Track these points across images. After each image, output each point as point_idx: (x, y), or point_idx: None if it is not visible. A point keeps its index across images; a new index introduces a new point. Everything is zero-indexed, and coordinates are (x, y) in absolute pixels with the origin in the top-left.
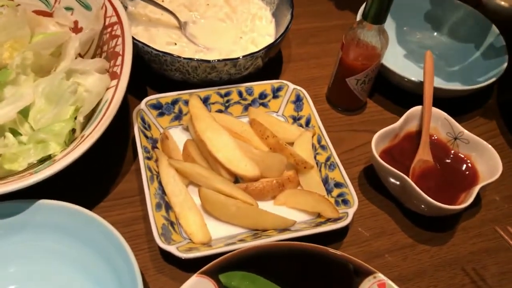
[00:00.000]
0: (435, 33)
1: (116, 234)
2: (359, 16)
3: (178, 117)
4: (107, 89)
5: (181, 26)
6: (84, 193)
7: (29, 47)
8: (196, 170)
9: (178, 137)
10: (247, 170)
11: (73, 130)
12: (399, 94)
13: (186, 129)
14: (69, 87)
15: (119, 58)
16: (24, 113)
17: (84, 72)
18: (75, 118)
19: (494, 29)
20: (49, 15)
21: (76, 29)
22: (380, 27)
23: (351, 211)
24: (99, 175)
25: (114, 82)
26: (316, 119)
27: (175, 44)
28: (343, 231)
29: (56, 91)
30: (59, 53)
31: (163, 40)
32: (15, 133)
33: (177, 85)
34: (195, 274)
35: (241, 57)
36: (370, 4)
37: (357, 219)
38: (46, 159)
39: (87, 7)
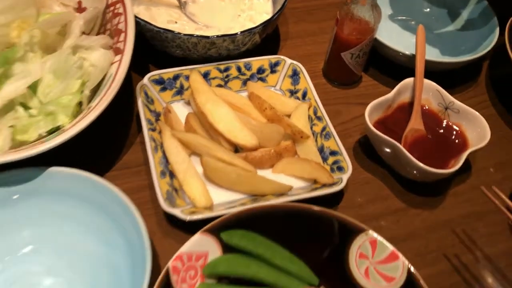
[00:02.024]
0: (428, 9)
1: (124, 199)
2: None
3: (180, 92)
4: (111, 64)
5: (181, 5)
6: (92, 163)
7: (36, 26)
8: (198, 141)
9: (180, 111)
10: (246, 140)
11: (80, 103)
12: (393, 68)
13: (188, 103)
14: (75, 62)
15: (122, 35)
16: (33, 88)
17: (89, 47)
18: (82, 92)
19: (485, 2)
20: None
21: (79, 9)
22: (373, 1)
23: (345, 176)
24: (106, 147)
25: (118, 57)
26: (312, 92)
27: (176, 22)
28: (338, 197)
29: (63, 66)
30: (65, 32)
31: (164, 19)
32: (25, 107)
33: (178, 62)
34: (199, 232)
35: (239, 32)
36: None
37: (352, 186)
38: (55, 130)
39: None
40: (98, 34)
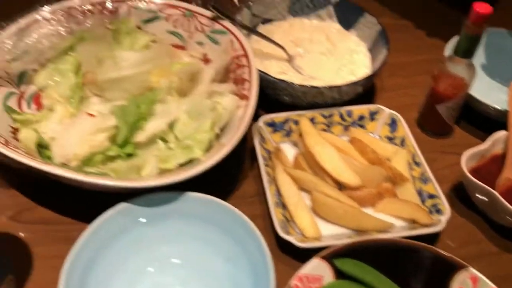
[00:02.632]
0: None
1: (250, 224)
2: (447, 51)
3: (288, 134)
4: (237, 107)
5: (290, 58)
6: (212, 190)
7: (174, 74)
8: (307, 177)
9: (288, 150)
10: (350, 179)
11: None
12: (483, 120)
13: (294, 144)
14: (208, 105)
15: (246, 83)
16: (171, 125)
17: (221, 93)
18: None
19: None
20: (183, 48)
21: (205, 60)
22: (468, 61)
23: (444, 218)
24: (224, 177)
25: (244, 102)
26: (411, 140)
27: (285, 73)
28: (433, 239)
29: (197, 108)
30: (193, 79)
31: (275, 70)
32: (164, 140)
33: (286, 107)
34: (316, 257)
35: (345, 84)
36: (460, 42)
37: (445, 229)
38: (189, 162)
39: (216, 42)
40: (221, 81)
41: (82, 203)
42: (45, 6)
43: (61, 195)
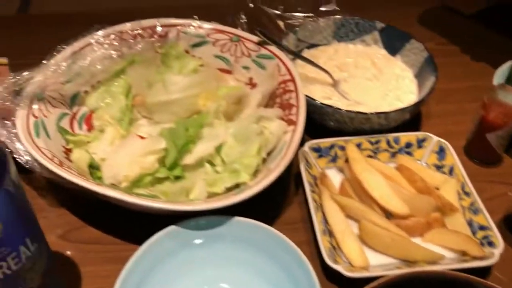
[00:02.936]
0: None
1: (298, 252)
2: (495, 78)
3: (334, 159)
4: (284, 133)
5: (335, 83)
6: (257, 216)
7: (222, 97)
8: (354, 205)
9: (333, 176)
10: (398, 208)
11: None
12: None
13: (340, 170)
14: (255, 129)
15: (294, 109)
16: (218, 148)
17: (269, 118)
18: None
19: None
20: (229, 72)
21: (251, 84)
22: None
23: (497, 251)
24: (268, 203)
25: (291, 127)
26: (460, 169)
27: (330, 98)
28: (483, 273)
29: (243, 132)
30: (239, 103)
31: (319, 95)
32: (211, 163)
33: (331, 132)
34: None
35: (393, 111)
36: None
37: (495, 263)
38: (236, 186)
39: (262, 67)
40: (266, 105)
41: (131, 223)
42: (99, 30)
43: (111, 215)
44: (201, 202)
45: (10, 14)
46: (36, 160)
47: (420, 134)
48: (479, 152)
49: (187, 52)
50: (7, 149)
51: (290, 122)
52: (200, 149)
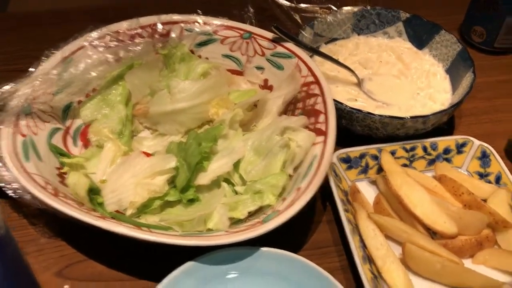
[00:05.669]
0: None
1: (333, 280)
2: None
3: (365, 170)
4: (313, 144)
5: (360, 82)
6: (284, 241)
7: (238, 105)
8: (396, 225)
9: (365, 189)
10: (445, 227)
11: None
12: None
13: (372, 182)
14: (278, 142)
15: (321, 116)
16: (235, 164)
17: (295, 129)
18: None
19: None
20: (240, 73)
21: (265, 86)
22: None
23: None
24: (295, 225)
25: (320, 138)
26: (509, 177)
27: (355, 99)
28: None
29: (265, 145)
30: (255, 109)
31: (343, 97)
32: (228, 182)
33: (356, 138)
34: None
35: (432, 114)
36: None
37: None
38: (261, 209)
39: (279, 67)
40: (285, 112)
41: (140, 256)
42: (92, 31)
43: (116, 247)
44: (224, 234)
45: None
46: (26, 190)
47: (459, 138)
48: None
49: (192, 52)
50: None
51: (319, 132)
52: (216, 167)
